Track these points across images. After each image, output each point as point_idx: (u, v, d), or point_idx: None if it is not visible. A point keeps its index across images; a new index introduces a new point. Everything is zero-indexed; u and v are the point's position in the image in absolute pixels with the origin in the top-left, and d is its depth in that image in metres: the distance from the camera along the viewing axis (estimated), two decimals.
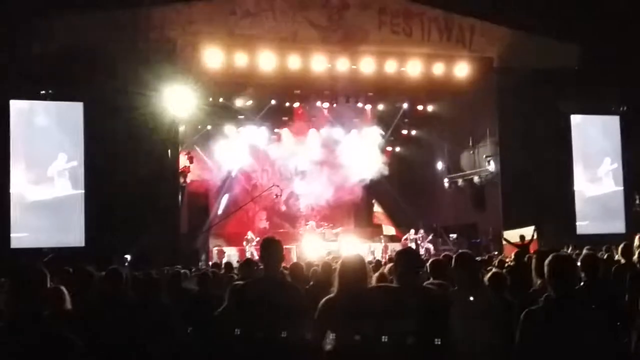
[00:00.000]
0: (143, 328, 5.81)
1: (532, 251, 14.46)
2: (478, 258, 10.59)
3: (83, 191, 19.33)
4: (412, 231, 24.50)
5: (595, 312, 4.31)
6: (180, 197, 21.14)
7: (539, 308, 4.22)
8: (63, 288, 5.49)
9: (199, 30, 20.38)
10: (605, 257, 11.58)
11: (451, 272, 5.49)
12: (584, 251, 9.45)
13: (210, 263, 21.17)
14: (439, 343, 4.59)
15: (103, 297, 6.51)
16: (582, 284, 5.74)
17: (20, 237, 18.71)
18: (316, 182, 26.35)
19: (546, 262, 4.34)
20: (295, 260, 17.79)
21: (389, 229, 26.01)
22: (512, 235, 18.84)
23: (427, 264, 6.34)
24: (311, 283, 7.66)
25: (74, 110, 19.53)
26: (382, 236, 25.17)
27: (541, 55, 22.37)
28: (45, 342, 3.65)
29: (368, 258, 16.78)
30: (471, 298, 5.19)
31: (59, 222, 19.22)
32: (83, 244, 19.00)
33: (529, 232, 18.34)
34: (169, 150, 20.14)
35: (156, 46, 19.41)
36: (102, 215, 18.59)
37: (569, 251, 13.36)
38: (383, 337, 4.57)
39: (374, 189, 27.23)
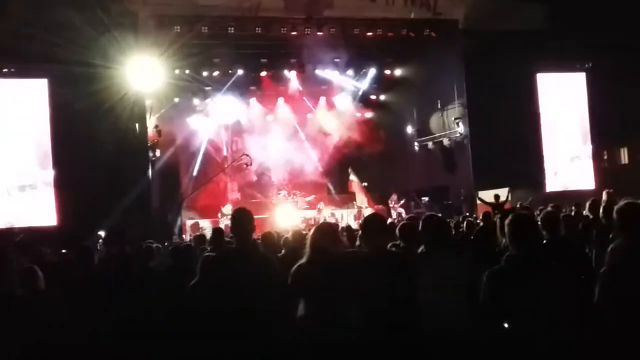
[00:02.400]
0: (117, 305, 5.84)
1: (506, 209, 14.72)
2: (449, 220, 10.74)
3: (52, 170, 19.16)
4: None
5: (557, 267, 4.38)
6: (150, 171, 21.02)
7: (501, 267, 4.30)
8: (36, 267, 5.48)
9: (160, 1, 20.10)
10: (573, 213, 11.79)
11: (419, 235, 5.55)
12: (546, 209, 9.61)
13: (184, 236, 21.21)
14: (407, 305, 4.68)
15: (76, 275, 6.53)
16: (544, 242, 5.82)
17: None
18: (286, 151, 26.32)
19: (506, 222, 4.42)
20: (269, 229, 17.83)
21: (362, 199, 26.02)
22: (487, 195, 19.05)
23: (397, 228, 6.42)
24: (282, 252, 7.69)
25: (39, 87, 19.29)
26: (354, 202, 25.27)
27: (506, 16, 22.38)
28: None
29: (342, 224, 16.87)
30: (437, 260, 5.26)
31: (30, 202, 19.06)
32: (56, 223, 18.89)
33: (503, 192, 18.56)
34: (137, 124, 20.00)
35: (119, 19, 19.14)
36: (73, 194, 18.44)
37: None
38: (353, 301, 4.64)
39: (345, 155, 27.26)
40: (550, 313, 4.09)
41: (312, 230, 5.23)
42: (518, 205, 15.04)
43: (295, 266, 4.97)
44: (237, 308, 4.77)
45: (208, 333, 4.89)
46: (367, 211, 23.42)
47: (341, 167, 27.62)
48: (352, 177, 26.98)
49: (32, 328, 4.66)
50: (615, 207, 4.73)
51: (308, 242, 5.11)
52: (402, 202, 24.54)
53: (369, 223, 5.02)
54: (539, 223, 5.73)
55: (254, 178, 27.02)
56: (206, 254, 7.03)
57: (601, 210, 8.16)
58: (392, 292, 4.60)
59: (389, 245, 5.47)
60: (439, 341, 4.75)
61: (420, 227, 5.49)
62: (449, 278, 4.95)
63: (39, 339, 4.74)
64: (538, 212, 9.27)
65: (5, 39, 17.87)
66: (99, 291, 5.91)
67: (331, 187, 27.77)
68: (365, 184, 26.74)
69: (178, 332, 5.42)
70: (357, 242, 6.96)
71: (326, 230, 5.15)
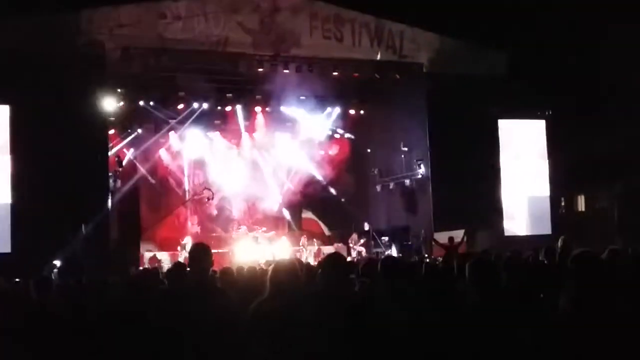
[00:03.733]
0: (72, 340, 5.74)
1: (461, 253, 14.82)
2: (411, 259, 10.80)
3: (10, 195, 18.85)
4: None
5: (517, 310, 4.44)
6: (110, 201, 20.80)
7: (467, 312, 4.34)
8: None
9: (127, 33, 20.04)
10: (530, 258, 11.93)
11: (378, 274, 5.57)
12: (507, 254, 9.76)
13: (141, 269, 20.94)
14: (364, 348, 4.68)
15: (31, 307, 6.42)
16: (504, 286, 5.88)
17: None
18: (249, 186, 26.26)
19: (467, 265, 4.46)
20: (228, 264, 17.71)
21: (317, 239, 25.87)
22: (441, 237, 19.18)
23: (359, 267, 6.45)
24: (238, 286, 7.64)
25: (1, 114, 19.05)
26: (314, 240, 25.24)
27: (470, 61, 22.87)
28: None
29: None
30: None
31: None
32: (9, 250, 18.53)
33: (459, 234, 18.70)
34: (98, 154, 19.83)
35: (84, 49, 19.07)
36: (29, 221, 18.13)
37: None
38: (311, 344, 4.62)
39: (308, 193, 27.28)
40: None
41: (271, 267, 5.21)
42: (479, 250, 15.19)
43: (256, 302, 4.94)
44: (194, 344, 4.73)
45: None
46: (327, 248, 23.44)
47: (302, 204, 27.63)
48: (307, 215, 26.98)
49: None
50: (571, 256, 4.82)
51: (268, 277, 5.10)
52: (363, 241, 24.56)
53: (329, 263, 5.02)
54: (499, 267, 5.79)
55: (215, 212, 26.87)
56: (160, 287, 6.98)
57: (556, 256, 8.30)
58: (349, 336, 4.59)
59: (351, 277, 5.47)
60: None
61: (379, 268, 5.52)
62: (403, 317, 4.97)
63: None
64: (492, 257, 9.41)
65: None
66: (55, 325, 5.81)
67: (292, 224, 27.67)
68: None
69: None
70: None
71: (286, 268, 5.13)
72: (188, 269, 5.55)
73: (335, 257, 5.21)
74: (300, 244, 24.20)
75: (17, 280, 12.10)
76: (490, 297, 4.34)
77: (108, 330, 5.93)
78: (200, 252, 5.25)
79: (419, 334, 4.62)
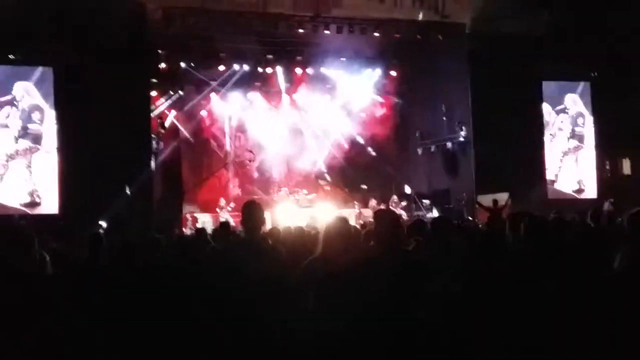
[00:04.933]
0: (123, 296, 5.81)
1: (504, 217, 14.70)
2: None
3: (57, 157, 19.15)
4: (373, 200, 24.66)
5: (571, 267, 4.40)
6: (153, 162, 21.02)
7: (522, 269, 4.31)
8: (44, 253, 5.47)
9: None
10: (575, 221, 11.80)
11: (429, 235, 5.55)
12: (551, 215, 9.65)
13: (184, 229, 21.21)
14: (417, 306, 4.68)
15: (83, 263, 6.52)
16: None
17: None
18: (289, 148, 26.28)
19: (523, 223, 4.43)
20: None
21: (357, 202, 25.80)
22: (485, 200, 19.04)
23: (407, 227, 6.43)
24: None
25: (44, 75, 19.27)
26: (356, 202, 25.23)
27: (514, 22, 22.39)
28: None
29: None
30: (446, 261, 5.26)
31: (33, 189, 19.02)
32: (57, 212, 18.88)
33: (503, 197, 18.55)
34: (141, 116, 19.99)
35: (125, 9, 19.11)
36: (75, 182, 18.43)
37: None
38: (363, 300, 4.63)
39: (348, 155, 27.24)
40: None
41: (324, 227, 5.21)
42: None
43: (308, 259, 4.96)
44: (247, 298, 4.77)
45: (218, 323, 4.88)
46: (367, 211, 23.42)
47: (342, 166, 27.57)
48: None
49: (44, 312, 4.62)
50: (627, 215, 4.76)
51: (320, 237, 5.10)
52: (403, 204, 24.49)
53: (381, 219, 5.01)
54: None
55: (255, 174, 26.99)
56: (211, 246, 7.02)
57: (603, 219, 8.20)
58: (403, 291, 4.59)
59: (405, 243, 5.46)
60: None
61: (430, 228, 5.50)
62: (455, 279, 4.96)
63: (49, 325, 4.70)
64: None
65: (12, 28, 17.82)
66: (107, 281, 5.89)
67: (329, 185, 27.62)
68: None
69: (187, 323, 5.40)
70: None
71: (338, 227, 5.13)
72: (240, 227, 5.55)
73: (388, 212, 5.21)
74: (342, 206, 24.20)
75: (64, 239, 12.39)
76: (545, 254, 4.30)
77: (160, 287, 6.01)
78: (253, 208, 5.26)
79: (475, 290, 4.60)
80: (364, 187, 26.40)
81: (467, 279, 5.05)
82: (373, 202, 24.49)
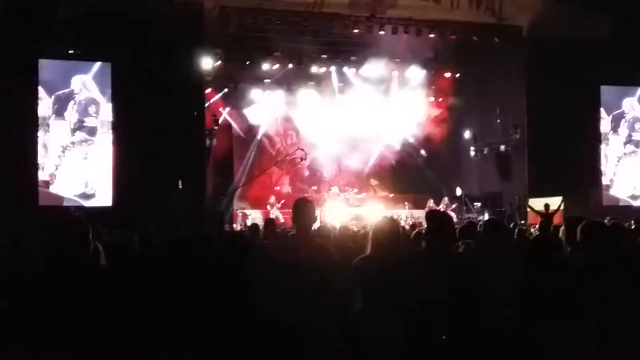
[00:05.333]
0: (173, 292, 5.87)
1: (556, 221, 14.46)
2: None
3: (111, 151, 19.50)
4: (431, 200, 24.52)
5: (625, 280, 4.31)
6: (206, 158, 21.25)
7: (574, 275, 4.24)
8: (99, 245, 5.57)
9: None
10: (633, 227, 11.58)
11: (481, 237, 5.50)
12: (607, 221, 9.45)
13: (234, 225, 21.40)
14: (467, 308, 4.65)
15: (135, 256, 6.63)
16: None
17: (50, 193, 18.94)
18: (341, 147, 26.27)
19: (580, 228, 4.35)
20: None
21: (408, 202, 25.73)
22: (537, 203, 18.76)
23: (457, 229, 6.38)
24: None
25: (103, 70, 19.65)
26: (406, 203, 25.14)
27: (572, 25, 22.01)
28: None
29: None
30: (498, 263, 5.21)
31: (88, 182, 19.39)
32: (110, 204, 19.22)
33: (555, 201, 18.24)
34: (195, 112, 20.22)
35: (183, 7, 19.35)
36: (129, 176, 18.75)
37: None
38: (411, 300, 4.62)
39: (400, 155, 27.16)
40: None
41: (373, 226, 5.21)
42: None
43: (358, 258, 4.96)
44: (298, 295, 4.78)
45: (267, 319, 4.91)
46: (418, 212, 23.31)
47: (393, 167, 27.50)
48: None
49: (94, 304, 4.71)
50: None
51: (370, 237, 5.10)
52: (454, 206, 24.30)
53: (433, 220, 4.99)
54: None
55: (306, 172, 27.09)
56: (263, 242, 7.07)
57: None
58: (454, 293, 4.56)
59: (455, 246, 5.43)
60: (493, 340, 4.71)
61: (482, 230, 5.45)
62: (508, 281, 4.91)
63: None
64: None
65: (73, 24, 18.19)
66: (159, 273, 5.97)
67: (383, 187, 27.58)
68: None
69: (237, 319, 5.43)
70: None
71: (387, 226, 5.12)
72: (292, 224, 5.58)
73: (440, 214, 5.18)
74: (393, 207, 24.15)
75: (117, 231, 12.61)
76: (600, 260, 4.22)
77: (211, 284, 6.06)
78: (305, 206, 5.27)
79: (524, 296, 4.55)
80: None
81: (518, 284, 5.00)
82: (430, 203, 24.33)
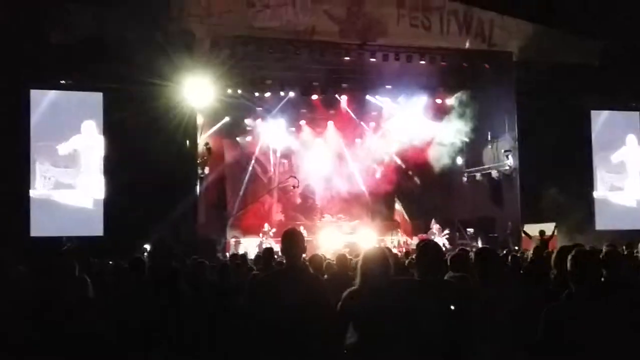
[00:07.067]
0: (165, 316, 5.82)
1: (550, 248, 14.44)
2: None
3: (103, 180, 19.46)
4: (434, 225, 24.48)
5: (618, 310, 4.27)
6: (198, 187, 21.22)
7: (561, 305, 4.20)
8: (86, 277, 5.52)
9: (216, 22, 20.35)
10: (625, 253, 11.54)
11: (473, 267, 5.46)
12: (604, 248, 9.40)
13: (227, 254, 21.28)
14: (461, 339, 4.60)
15: (127, 286, 6.57)
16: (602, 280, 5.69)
17: (40, 226, 18.86)
18: (333, 175, 26.28)
19: (569, 256, 4.31)
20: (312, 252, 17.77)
21: (404, 229, 25.81)
22: (532, 229, 18.78)
23: (447, 258, 6.34)
24: (325, 276, 7.64)
25: (94, 100, 19.68)
26: (398, 230, 25.12)
27: (561, 51, 22.25)
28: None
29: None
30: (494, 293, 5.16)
31: (78, 211, 19.34)
32: (102, 234, 19.14)
33: (549, 227, 18.26)
34: (187, 141, 20.23)
35: (174, 37, 19.44)
36: (121, 205, 18.69)
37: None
38: (405, 332, 4.57)
39: (392, 182, 27.14)
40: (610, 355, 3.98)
41: (361, 256, 5.16)
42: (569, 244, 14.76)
43: (347, 291, 4.91)
44: (288, 327, 4.73)
45: (258, 351, 4.86)
46: (412, 240, 23.27)
47: (386, 193, 27.47)
48: (397, 206, 26.80)
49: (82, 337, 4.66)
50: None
51: (358, 267, 5.06)
52: (446, 232, 24.25)
53: (424, 250, 4.95)
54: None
55: (299, 200, 27.06)
56: (254, 273, 7.02)
57: None
58: (447, 323, 4.52)
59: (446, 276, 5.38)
60: None
61: (474, 259, 5.41)
62: (503, 311, 4.87)
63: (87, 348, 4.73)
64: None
65: (64, 53, 18.24)
66: (150, 304, 5.90)
67: (375, 213, 27.54)
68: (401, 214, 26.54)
69: (228, 349, 5.39)
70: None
71: (377, 256, 5.07)
72: (280, 253, 5.54)
73: (431, 245, 5.14)
74: (385, 234, 24.11)
75: (109, 262, 12.51)
76: (591, 291, 4.18)
77: (201, 313, 6.02)
78: (294, 236, 5.24)
79: (520, 325, 4.51)
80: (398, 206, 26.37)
81: (512, 312, 4.96)
82: (434, 228, 24.22)
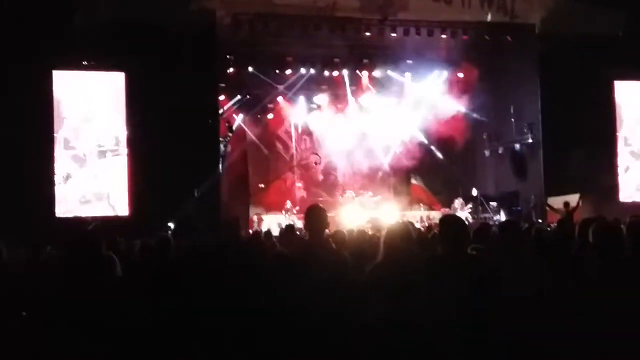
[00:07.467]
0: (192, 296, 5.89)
1: (576, 219, 14.37)
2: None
3: (126, 160, 19.62)
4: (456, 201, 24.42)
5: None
6: (221, 165, 21.31)
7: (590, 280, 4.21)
8: (114, 255, 5.59)
9: (237, 0, 20.32)
10: None
11: (497, 239, 5.47)
12: (628, 219, 9.35)
13: (250, 231, 21.41)
14: (485, 312, 4.61)
15: (152, 265, 6.65)
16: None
17: (66, 206, 19.08)
18: (355, 151, 26.24)
19: (591, 228, 4.32)
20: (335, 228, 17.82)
21: (423, 204, 25.79)
22: (556, 202, 18.67)
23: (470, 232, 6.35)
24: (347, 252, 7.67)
25: (117, 80, 19.80)
26: (421, 204, 25.08)
27: (584, 22, 21.94)
28: None
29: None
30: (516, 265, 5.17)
31: (103, 191, 19.54)
32: (127, 214, 19.33)
33: (573, 199, 18.14)
34: (209, 119, 20.31)
35: (195, 17, 19.43)
36: (145, 185, 18.84)
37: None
38: (430, 306, 4.59)
39: (414, 157, 27.04)
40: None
41: (385, 231, 5.19)
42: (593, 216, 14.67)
43: (371, 265, 4.95)
44: (312, 303, 4.78)
45: (283, 328, 4.91)
46: (434, 213, 23.25)
47: (408, 169, 27.41)
48: (414, 181, 26.76)
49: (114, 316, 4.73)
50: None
51: (382, 242, 5.09)
52: (469, 206, 24.18)
53: (448, 225, 4.96)
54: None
55: (321, 177, 27.06)
56: (277, 250, 7.07)
57: None
58: (472, 296, 4.54)
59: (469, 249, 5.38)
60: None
61: (499, 232, 5.42)
62: (526, 282, 4.88)
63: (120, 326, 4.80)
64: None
65: (90, 34, 18.29)
66: (176, 283, 5.98)
67: (399, 189, 27.49)
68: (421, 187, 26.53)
69: (251, 326, 5.44)
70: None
71: (399, 231, 5.10)
72: (304, 230, 5.58)
73: (454, 219, 5.15)
74: (408, 208, 24.09)
75: (136, 240, 12.63)
76: (614, 264, 4.18)
77: (225, 290, 6.08)
78: (317, 212, 5.28)
79: (544, 302, 4.52)
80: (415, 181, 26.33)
81: (535, 286, 4.97)
82: (456, 203, 24.18)
